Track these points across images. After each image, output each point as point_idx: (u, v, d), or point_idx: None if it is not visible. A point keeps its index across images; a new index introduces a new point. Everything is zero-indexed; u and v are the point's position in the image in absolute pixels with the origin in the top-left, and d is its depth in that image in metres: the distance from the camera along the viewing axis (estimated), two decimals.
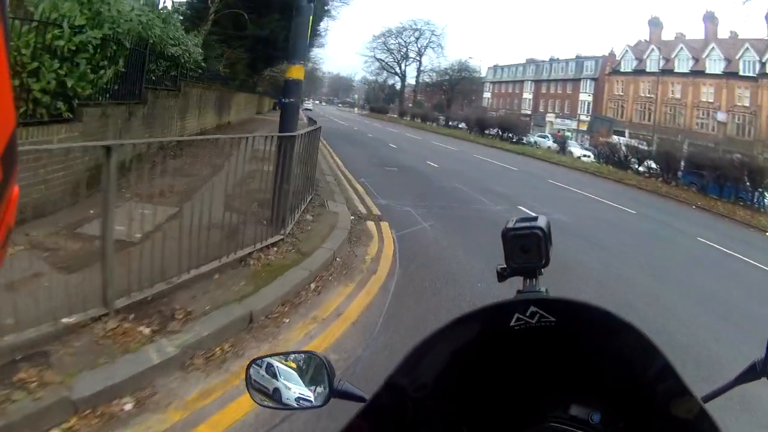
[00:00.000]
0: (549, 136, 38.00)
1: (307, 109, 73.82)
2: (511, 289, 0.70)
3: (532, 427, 0.68)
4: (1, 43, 0.24)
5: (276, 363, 0.84)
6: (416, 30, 65.47)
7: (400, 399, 0.65)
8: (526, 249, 0.68)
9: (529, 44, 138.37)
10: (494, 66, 61.13)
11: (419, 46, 66.36)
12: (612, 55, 43.55)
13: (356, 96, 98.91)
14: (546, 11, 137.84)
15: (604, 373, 0.67)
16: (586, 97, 45.48)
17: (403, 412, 0.67)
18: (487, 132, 36.50)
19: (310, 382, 0.82)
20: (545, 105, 50.24)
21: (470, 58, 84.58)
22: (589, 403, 0.68)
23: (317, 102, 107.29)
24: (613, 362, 0.64)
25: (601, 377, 0.67)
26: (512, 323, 0.61)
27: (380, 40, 68.07)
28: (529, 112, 50.56)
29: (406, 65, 69.70)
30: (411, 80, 70.29)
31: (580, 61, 47.34)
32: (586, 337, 0.62)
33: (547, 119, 48.13)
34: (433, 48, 67.55)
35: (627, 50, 42.07)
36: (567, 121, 45.62)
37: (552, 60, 51.29)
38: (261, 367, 0.83)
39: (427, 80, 67.66)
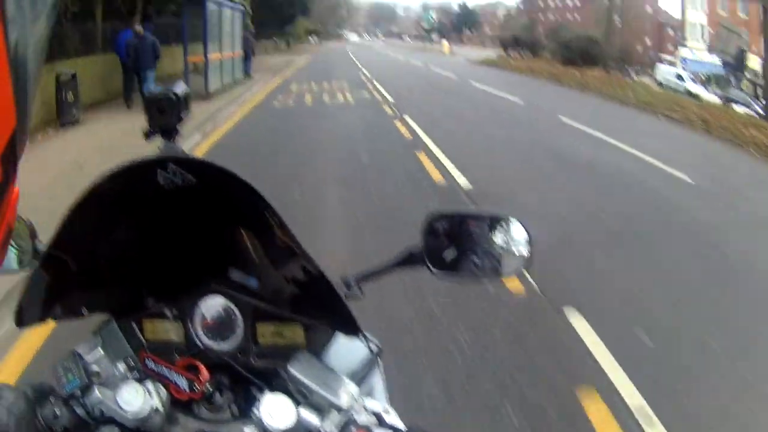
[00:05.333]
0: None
1: (353, 41, 60.34)
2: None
3: (199, 290, 0.72)
4: (1, 41, 0.25)
5: None
6: None
7: (75, 251, 0.68)
8: (161, 110, 0.83)
9: None
10: None
11: None
12: None
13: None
14: None
15: (247, 237, 0.71)
16: None
17: (78, 270, 0.69)
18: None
19: (18, 246, 0.80)
20: None
21: None
22: (249, 268, 0.72)
23: (359, 35, 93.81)
24: (250, 227, 0.69)
25: (246, 242, 0.71)
26: (160, 181, 0.64)
27: None
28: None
29: None
30: None
31: None
32: (226, 200, 0.66)
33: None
34: None
35: None
36: None
37: None
38: None
39: None
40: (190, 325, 0.72)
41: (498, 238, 0.75)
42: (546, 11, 64.08)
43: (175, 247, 0.72)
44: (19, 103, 0.28)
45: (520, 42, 31.17)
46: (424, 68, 21.45)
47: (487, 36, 72.09)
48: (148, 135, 0.88)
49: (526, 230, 0.75)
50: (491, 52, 33.92)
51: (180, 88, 0.86)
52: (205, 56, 10.09)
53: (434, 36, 49.26)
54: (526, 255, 0.75)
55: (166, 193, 0.63)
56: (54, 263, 0.66)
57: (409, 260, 0.76)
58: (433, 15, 47.69)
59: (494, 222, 0.76)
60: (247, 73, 14.34)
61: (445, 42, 40.74)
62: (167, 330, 0.74)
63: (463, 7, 75.56)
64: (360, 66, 21.24)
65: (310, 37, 49.35)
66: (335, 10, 68.05)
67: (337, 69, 18.99)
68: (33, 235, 0.79)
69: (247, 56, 14.60)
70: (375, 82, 14.14)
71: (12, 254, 0.79)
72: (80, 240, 0.67)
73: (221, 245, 0.72)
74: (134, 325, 0.73)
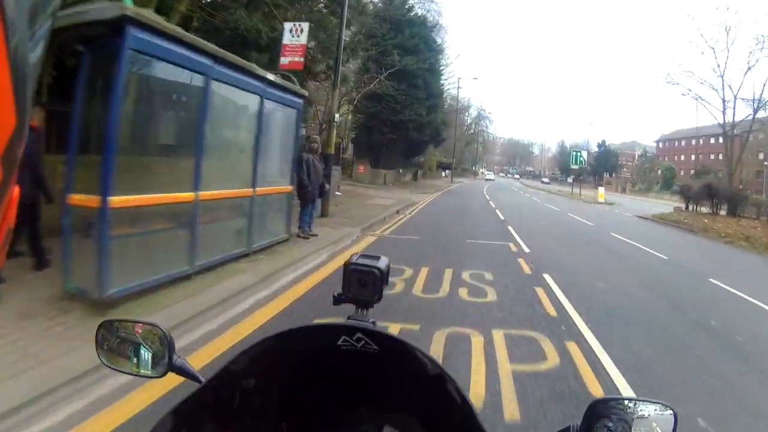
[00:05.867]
0: None
1: (489, 179, 58.91)
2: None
3: None
4: (1, 41, 0.25)
5: (123, 329, 0.85)
6: None
7: (230, 387, 0.77)
8: (363, 283, 0.85)
9: None
10: None
11: None
12: None
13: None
14: None
15: (418, 403, 0.78)
16: None
17: (231, 399, 0.78)
18: None
19: (152, 352, 0.84)
20: None
21: None
22: (406, 428, 0.78)
23: (495, 173, 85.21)
24: (426, 400, 0.76)
25: (416, 406, 0.79)
26: (339, 343, 0.74)
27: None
28: None
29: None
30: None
31: None
32: (402, 369, 0.74)
33: None
34: None
35: None
36: None
37: None
38: (110, 330, 0.85)
39: None
40: None
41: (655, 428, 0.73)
42: (687, 150, 55.30)
43: (333, 393, 0.80)
44: (19, 104, 0.28)
45: (716, 193, 21.93)
46: (599, 232, 13.82)
47: (625, 178, 65.06)
48: (339, 301, 0.88)
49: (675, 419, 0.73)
50: (653, 202, 30.89)
51: (383, 262, 0.85)
52: (103, 197, 3.56)
53: (569, 178, 42.62)
54: None
55: (340, 352, 0.74)
56: (208, 394, 0.73)
57: None
58: (584, 155, 40.31)
59: (655, 410, 0.74)
60: (302, 227, 7.51)
61: (601, 189, 35.98)
62: None
63: (602, 146, 68.35)
64: (503, 219, 14.37)
65: (442, 171, 45.30)
66: (471, 144, 65.04)
67: (471, 223, 12.41)
68: (171, 348, 0.83)
69: (305, 194, 7.50)
70: (548, 280, 6.46)
71: (148, 356, 0.83)
72: (242, 377, 0.76)
73: (382, 400, 0.79)
74: None
